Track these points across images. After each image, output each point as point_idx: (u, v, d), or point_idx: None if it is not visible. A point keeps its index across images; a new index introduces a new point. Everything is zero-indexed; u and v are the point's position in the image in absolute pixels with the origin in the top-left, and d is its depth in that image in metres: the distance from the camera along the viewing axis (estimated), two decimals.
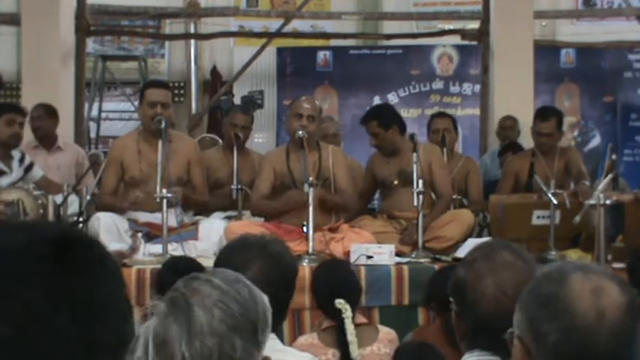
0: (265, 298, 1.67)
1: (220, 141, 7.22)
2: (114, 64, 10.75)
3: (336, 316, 3.62)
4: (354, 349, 3.57)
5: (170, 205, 4.95)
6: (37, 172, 5.87)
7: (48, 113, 6.69)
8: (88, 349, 0.99)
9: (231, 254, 2.35)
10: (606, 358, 1.49)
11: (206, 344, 1.56)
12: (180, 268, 3.77)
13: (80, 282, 1.01)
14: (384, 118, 5.66)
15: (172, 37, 10.84)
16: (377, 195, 6.31)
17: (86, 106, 9.52)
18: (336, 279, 3.81)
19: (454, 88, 10.48)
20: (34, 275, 0.98)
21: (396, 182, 5.69)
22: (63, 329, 0.97)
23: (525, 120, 7.37)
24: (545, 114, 6.16)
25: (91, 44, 10.11)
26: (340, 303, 3.61)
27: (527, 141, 6.94)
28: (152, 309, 1.62)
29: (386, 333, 3.79)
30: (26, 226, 1.07)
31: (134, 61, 10.72)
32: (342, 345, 3.59)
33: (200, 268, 3.73)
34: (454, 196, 5.91)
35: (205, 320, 1.57)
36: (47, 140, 6.71)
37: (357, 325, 3.65)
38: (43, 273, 0.98)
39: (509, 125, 7.79)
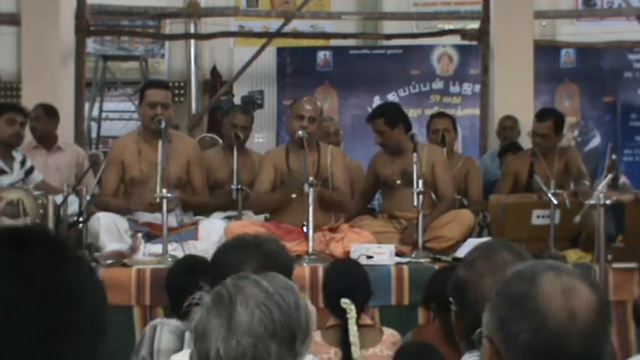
0: (312, 310, 1.66)
1: (220, 141, 7.22)
2: (115, 64, 10.75)
3: (341, 315, 3.62)
4: (355, 350, 3.57)
5: (169, 210, 4.95)
6: (37, 176, 5.87)
7: (47, 113, 6.68)
8: (62, 334, 1.01)
9: (227, 253, 2.35)
10: (576, 358, 1.48)
11: (241, 343, 1.56)
12: (189, 267, 3.77)
13: (44, 267, 1.03)
14: (391, 117, 5.67)
15: (172, 37, 10.85)
16: (376, 195, 6.31)
17: (87, 106, 9.53)
18: (346, 278, 3.80)
19: (454, 88, 10.48)
20: None
21: (398, 182, 5.68)
22: (32, 312, 0.99)
23: (525, 120, 7.37)
24: (543, 115, 6.15)
25: (91, 44, 10.11)
26: (345, 303, 3.61)
27: (527, 141, 6.94)
28: (199, 300, 1.62)
29: (389, 335, 3.78)
30: None
31: (135, 61, 10.72)
32: (345, 345, 3.59)
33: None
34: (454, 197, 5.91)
35: (245, 319, 1.57)
36: (47, 140, 6.71)
37: (361, 326, 3.64)
38: (4, 258, 1.01)
39: (509, 125, 7.78)
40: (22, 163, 5.85)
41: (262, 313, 1.58)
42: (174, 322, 3.63)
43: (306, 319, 1.64)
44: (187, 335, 3.55)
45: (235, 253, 2.31)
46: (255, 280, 1.64)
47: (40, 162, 6.33)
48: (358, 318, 3.63)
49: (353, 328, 3.58)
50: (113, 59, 10.83)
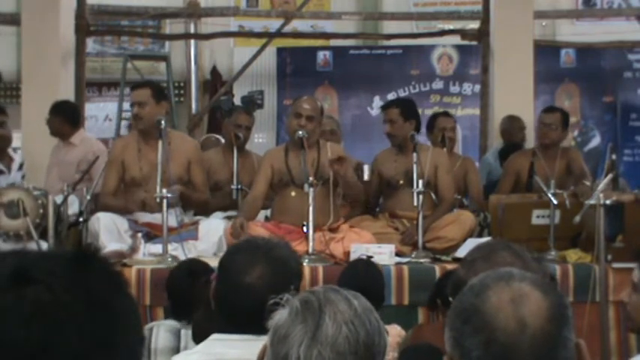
0: (388, 339, 1.67)
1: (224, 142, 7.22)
2: (140, 64, 10.73)
3: None
4: None
5: (170, 205, 4.96)
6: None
7: (51, 110, 6.63)
8: (108, 350, 1.05)
9: (236, 256, 2.34)
10: None
11: (323, 355, 1.56)
12: (190, 270, 3.78)
13: (100, 289, 1.07)
14: (407, 110, 5.72)
15: (172, 37, 10.84)
16: None
17: (116, 105, 9.71)
18: (358, 279, 3.80)
19: (454, 88, 10.49)
20: (59, 276, 1.04)
21: (401, 182, 5.68)
22: (82, 327, 1.03)
23: (525, 120, 7.37)
24: (551, 108, 6.45)
25: (91, 44, 10.11)
26: None
27: (527, 142, 6.94)
28: (285, 302, 1.61)
29: (395, 335, 3.78)
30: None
31: (160, 61, 10.76)
32: None
33: (212, 271, 3.74)
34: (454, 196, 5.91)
35: (331, 333, 1.57)
36: (58, 136, 6.67)
37: None
38: (66, 272, 1.05)
39: (520, 126, 7.73)
40: (21, 166, 5.88)
41: (349, 331, 1.58)
42: (169, 322, 3.65)
43: (384, 345, 1.64)
44: (183, 333, 3.56)
45: (244, 256, 2.30)
46: (346, 297, 1.64)
47: (55, 157, 6.39)
48: None
49: None
50: (138, 58, 10.83)
